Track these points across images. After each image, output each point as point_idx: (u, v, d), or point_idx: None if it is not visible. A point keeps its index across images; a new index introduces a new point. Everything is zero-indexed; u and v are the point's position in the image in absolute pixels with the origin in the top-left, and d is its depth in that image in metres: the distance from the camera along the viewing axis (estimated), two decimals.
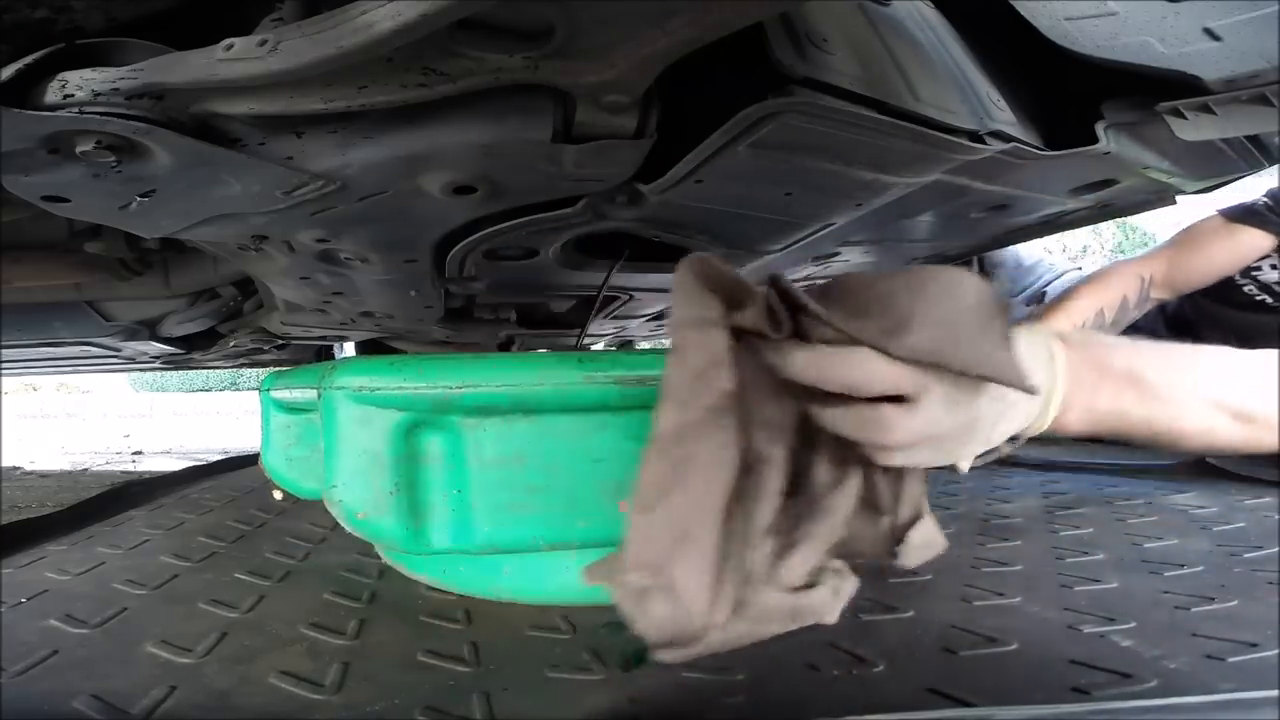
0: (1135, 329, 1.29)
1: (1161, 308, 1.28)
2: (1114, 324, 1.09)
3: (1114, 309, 1.09)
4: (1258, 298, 1.13)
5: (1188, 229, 1.16)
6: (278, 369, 0.68)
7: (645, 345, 1.92)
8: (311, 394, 0.55)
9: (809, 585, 0.34)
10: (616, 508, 0.45)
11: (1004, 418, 0.40)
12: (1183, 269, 1.14)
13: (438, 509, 0.45)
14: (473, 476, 0.45)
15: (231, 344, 1.30)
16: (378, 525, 0.46)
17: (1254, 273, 1.13)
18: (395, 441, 0.45)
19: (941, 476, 0.93)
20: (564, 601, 0.49)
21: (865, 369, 0.35)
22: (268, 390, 0.60)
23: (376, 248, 0.76)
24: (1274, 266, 1.12)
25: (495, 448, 0.45)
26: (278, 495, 0.83)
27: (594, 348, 1.71)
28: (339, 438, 0.47)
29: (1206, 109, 0.69)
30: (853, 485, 0.38)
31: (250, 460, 1.29)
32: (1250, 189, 1.12)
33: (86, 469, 1.50)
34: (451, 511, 0.45)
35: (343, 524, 0.48)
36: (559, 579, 0.49)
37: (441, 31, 0.38)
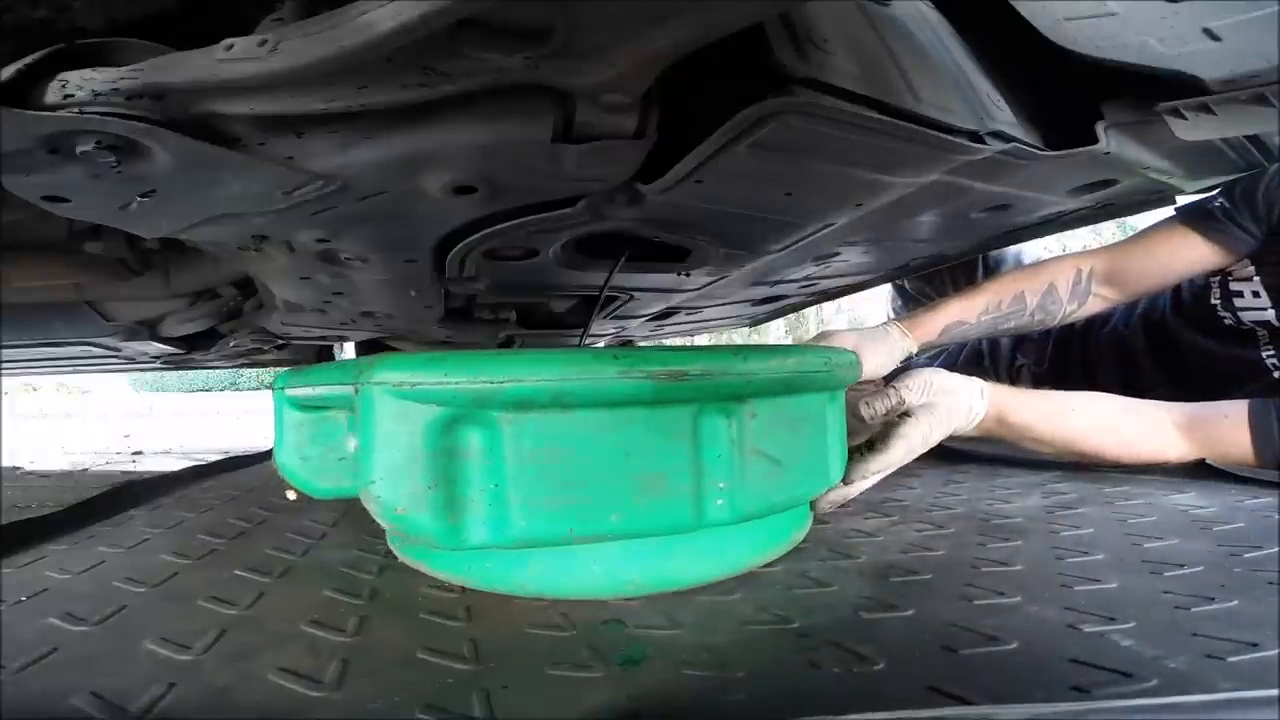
0: (1118, 338, 1.25)
1: (1145, 320, 1.22)
2: (1039, 308, 1.03)
3: (1038, 294, 1.03)
4: (1243, 328, 1.04)
5: (1146, 229, 1.08)
6: (292, 367, 0.68)
7: (645, 344, 1.92)
8: (327, 390, 0.56)
9: None
10: (648, 500, 0.46)
11: (953, 415, 0.79)
12: (1126, 267, 1.05)
13: (474, 504, 0.45)
14: (509, 471, 0.45)
15: (231, 344, 1.30)
16: (415, 520, 0.46)
17: (1234, 297, 1.03)
18: (434, 437, 0.45)
19: (942, 477, 0.93)
20: (591, 596, 0.50)
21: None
22: (281, 388, 0.60)
23: (376, 248, 0.76)
24: (1255, 294, 1.01)
25: (532, 442, 0.45)
26: (291, 495, 0.83)
27: (594, 347, 1.71)
28: (377, 433, 0.47)
29: (1206, 109, 0.70)
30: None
31: (250, 460, 1.30)
32: None
33: (86, 469, 1.50)
34: (488, 506, 0.45)
35: (380, 520, 0.48)
36: (586, 573, 0.50)
37: (442, 31, 0.38)
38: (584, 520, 0.46)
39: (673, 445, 0.47)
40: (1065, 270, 1.05)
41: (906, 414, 0.75)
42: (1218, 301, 1.06)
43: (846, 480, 0.69)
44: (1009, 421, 0.84)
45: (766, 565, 0.56)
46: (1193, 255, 1.01)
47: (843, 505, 0.74)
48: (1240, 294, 1.03)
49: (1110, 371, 1.25)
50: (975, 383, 0.82)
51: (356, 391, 0.47)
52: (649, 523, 0.47)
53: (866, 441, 0.73)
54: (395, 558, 0.61)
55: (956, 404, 0.79)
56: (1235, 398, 0.86)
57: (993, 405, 0.83)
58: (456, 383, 0.44)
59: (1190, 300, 1.13)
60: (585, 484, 0.46)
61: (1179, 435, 0.86)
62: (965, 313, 1.02)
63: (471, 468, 0.45)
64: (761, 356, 0.50)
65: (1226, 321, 1.06)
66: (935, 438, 0.76)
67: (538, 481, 0.45)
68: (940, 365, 1.12)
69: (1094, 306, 1.08)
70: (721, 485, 0.48)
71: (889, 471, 0.73)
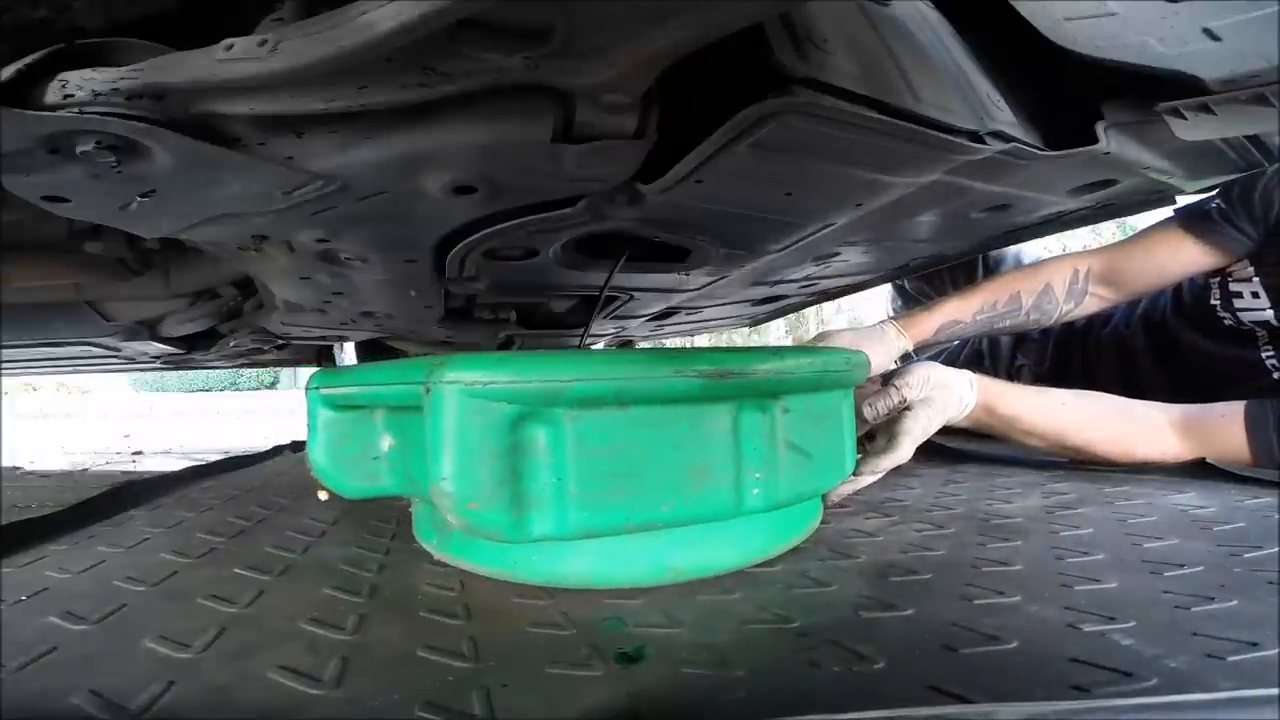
0: (1118, 338, 1.25)
1: (1145, 320, 1.22)
2: (1034, 308, 1.04)
3: (1034, 294, 1.04)
4: (1242, 329, 1.04)
5: (1144, 229, 1.08)
6: (324, 368, 0.69)
7: (644, 345, 1.92)
8: (360, 390, 0.58)
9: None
10: (695, 490, 0.50)
11: (948, 407, 0.82)
12: (1123, 267, 1.05)
13: (539, 497, 0.47)
14: (570, 465, 0.48)
15: (231, 344, 1.30)
16: (485, 515, 0.47)
17: (1233, 298, 1.03)
18: (503, 433, 0.47)
19: (942, 477, 0.93)
20: (635, 584, 0.52)
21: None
22: (315, 388, 0.61)
23: (376, 248, 0.76)
24: (1255, 294, 1.00)
25: (593, 437, 0.48)
26: (323, 496, 0.83)
27: (594, 347, 1.71)
28: (449, 431, 0.48)
29: (1206, 109, 0.70)
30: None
31: (250, 460, 1.30)
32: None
33: (86, 469, 1.50)
34: (551, 500, 0.47)
35: (450, 516, 0.48)
36: (630, 563, 0.53)
37: (442, 31, 0.38)
38: (638, 510, 0.49)
39: (716, 438, 0.51)
40: (1062, 270, 1.06)
41: (907, 409, 0.78)
42: (1217, 302, 1.06)
43: (856, 473, 0.73)
44: (998, 412, 0.88)
45: (766, 565, 0.56)
46: (1189, 256, 1.01)
47: (842, 504, 0.76)
48: (1240, 294, 1.03)
49: (1110, 371, 1.25)
50: (966, 375, 0.86)
51: (428, 391, 0.48)
52: (695, 511, 0.51)
53: (867, 434, 0.78)
54: (396, 555, 0.62)
55: (951, 397, 0.82)
56: (1235, 398, 0.86)
57: (982, 394, 0.86)
58: (528, 382, 0.46)
59: (1190, 301, 1.13)
60: (639, 476, 0.49)
61: (1174, 435, 0.86)
62: (961, 312, 1.04)
63: (537, 463, 0.47)
64: (795, 356, 0.55)
65: (1226, 322, 1.06)
66: (933, 428, 0.81)
67: (597, 474, 0.48)
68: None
69: (1091, 306, 1.08)
70: (757, 475, 0.52)
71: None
